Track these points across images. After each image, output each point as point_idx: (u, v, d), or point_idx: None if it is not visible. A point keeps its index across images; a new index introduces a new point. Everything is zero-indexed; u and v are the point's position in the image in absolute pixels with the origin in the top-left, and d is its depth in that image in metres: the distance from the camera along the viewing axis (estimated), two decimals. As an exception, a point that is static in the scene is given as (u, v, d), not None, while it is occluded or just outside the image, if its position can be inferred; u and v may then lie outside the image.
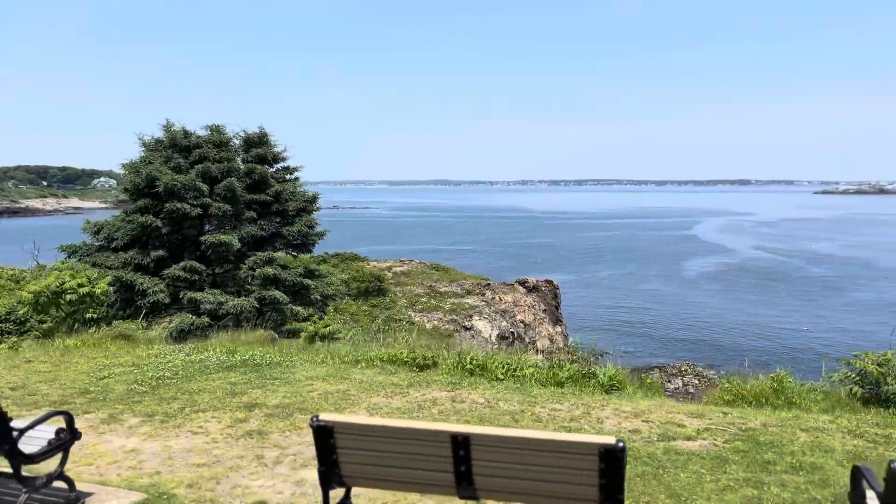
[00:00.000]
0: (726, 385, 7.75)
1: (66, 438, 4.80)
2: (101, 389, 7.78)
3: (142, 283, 14.69)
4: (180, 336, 13.09)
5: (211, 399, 7.39)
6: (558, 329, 36.46)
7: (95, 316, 11.55)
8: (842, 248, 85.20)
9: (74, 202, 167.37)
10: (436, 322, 30.44)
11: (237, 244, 15.76)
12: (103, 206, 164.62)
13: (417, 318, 30.28)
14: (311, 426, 3.54)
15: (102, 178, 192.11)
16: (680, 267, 69.85)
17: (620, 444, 3.10)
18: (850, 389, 7.23)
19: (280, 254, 16.51)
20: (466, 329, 30.72)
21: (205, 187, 15.75)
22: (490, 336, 31.86)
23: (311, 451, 5.87)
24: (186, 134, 17.11)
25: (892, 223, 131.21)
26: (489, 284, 35.73)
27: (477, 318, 32.10)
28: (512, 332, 32.47)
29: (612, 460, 3.14)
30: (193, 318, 14.21)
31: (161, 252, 15.48)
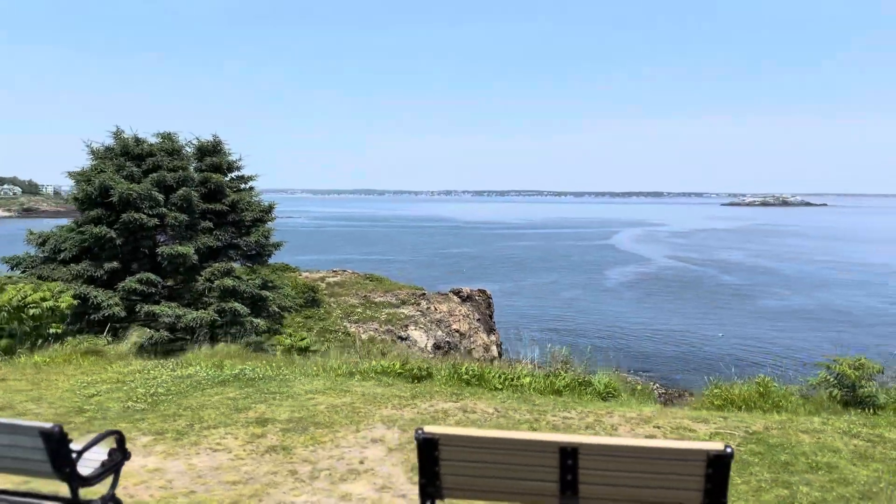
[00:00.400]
0: (715, 391, 8.12)
1: (118, 459, 4.62)
2: (96, 408, 7.46)
3: (96, 297, 14.07)
4: (151, 351, 12.61)
5: (217, 415, 7.21)
6: (492, 338, 36.88)
7: (60, 331, 11.01)
8: (749, 257, 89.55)
9: None
10: (372, 332, 30.30)
11: (194, 255, 15.32)
12: (7, 214, 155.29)
13: (353, 329, 30.09)
14: (417, 439, 3.56)
15: (6, 186, 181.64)
16: (601, 276, 71.87)
17: (728, 450, 3.27)
18: (831, 392, 7.71)
19: (236, 265, 16.13)
20: (402, 339, 30.72)
21: (160, 197, 15.26)
22: (426, 346, 31.97)
23: (344, 465, 5.85)
24: (138, 141, 16.53)
25: (794, 234, 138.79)
26: (424, 294, 35.84)
27: (413, 327, 32.13)
28: (447, 342, 32.67)
29: (719, 465, 3.31)
30: (163, 332, 13.72)
31: (115, 264, 14.88)
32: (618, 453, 3.41)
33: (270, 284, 16.81)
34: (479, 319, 38.16)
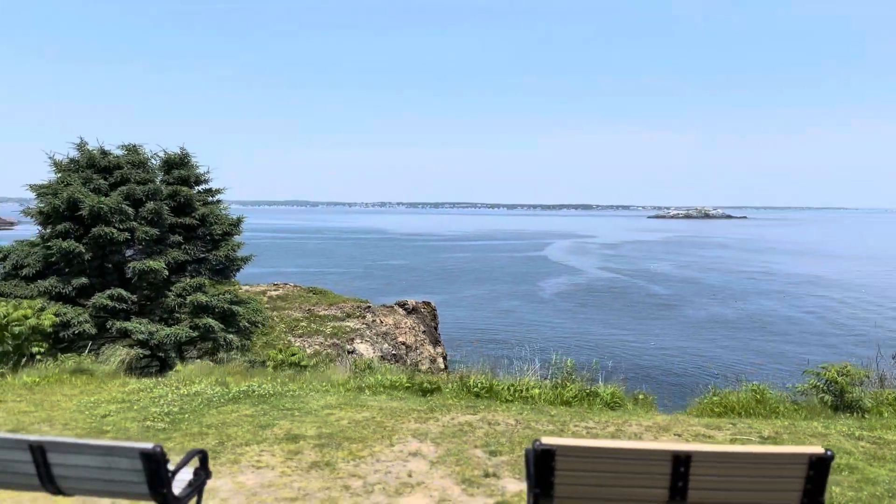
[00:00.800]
0: (714, 398, 8.53)
1: (203, 478, 4.60)
2: (115, 428, 7.27)
3: (65, 314, 13.54)
4: (136, 368, 12.22)
5: (244, 433, 7.14)
6: (438, 350, 37.07)
7: (42, 350, 10.58)
8: (675, 267, 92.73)
9: None
10: (317, 346, 30.08)
11: (165, 270, 14.94)
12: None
13: (297, 343, 29.76)
14: (536, 450, 3.72)
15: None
16: (536, 287, 73.15)
17: (829, 453, 3.57)
18: (822, 398, 8.23)
19: (205, 279, 15.79)
20: (349, 353, 30.56)
21: (130, 211, 14.83)
22: (372, 359, 31.85)
23: (393, 479, 5.92)
24: (104, 153, 16.02)
25: (716, 245, 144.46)
26: (369, 307, 35.76)
27: (359, 340, 32.02)
28: (394, 355, 32.69)
29: (820, 467, 3.60)
30: (137, 350, 13.30)
31: (83, 279, 14.35)
32: (728, 460, 3.66)
33: (237, 299, 16.53)
34: (424, 332, 38.30)
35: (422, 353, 35.42)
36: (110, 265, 15.09)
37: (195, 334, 14.63)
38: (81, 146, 16.04)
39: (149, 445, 4.07)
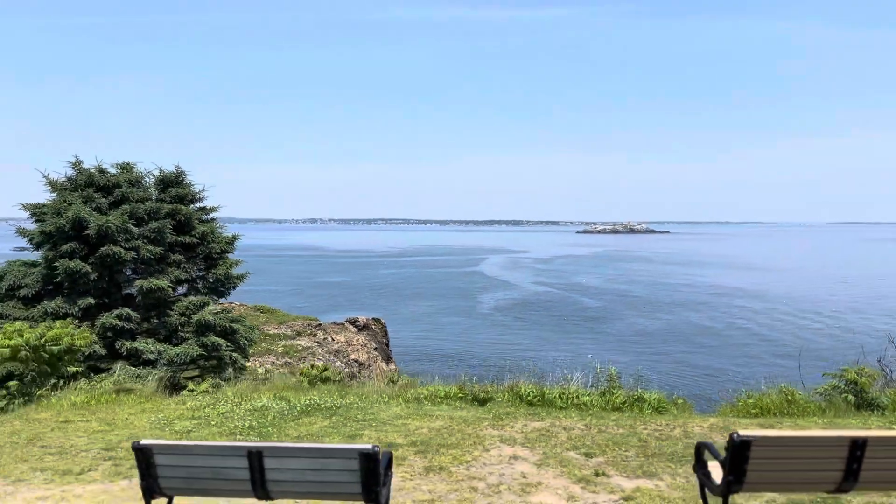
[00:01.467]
0: (749, 400, 9.19)
1: (391, 477, 4.83)
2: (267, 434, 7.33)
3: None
4: (168, 387, 11.99)
5: (340, 440, 7.32)
6: (391, 366, 37.13)
7: (78, 370, 10.36)
8: (605, 281, 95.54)
9: None
10: (269, 366, 29.78)
11: (170, 289, 14.74)
12: None
13: (249, 363, 29.37)
14: (734, 442, 4.15)
15: None
16: (474, 301, 74.03)
17: None
18: (846, 397, 9.00)
19: (208, 298, 15.64)
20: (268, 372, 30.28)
21: (135, 229, 14.57)
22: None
23: (510, 480, 6.29)
24: (102, 172, 15.68)
25: (642, 259, 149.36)
26: (320, 325, 35.60)
27: (311, 359, 31.80)
28: (348, 373, 32.59)
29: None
30: (149, 369, 13.05)
31: (90, 300, 14.00)
32: (900, 444, 4.20)
33: (236, 318, 16.39)
34: (376, 348, 38.32)
35: (374, 370, 35.35)
36: (114, 285, 14.75)
37: (203, 353, 14.47)
38: (77, 164, 15.65)
39: (367, 446, 4.33)
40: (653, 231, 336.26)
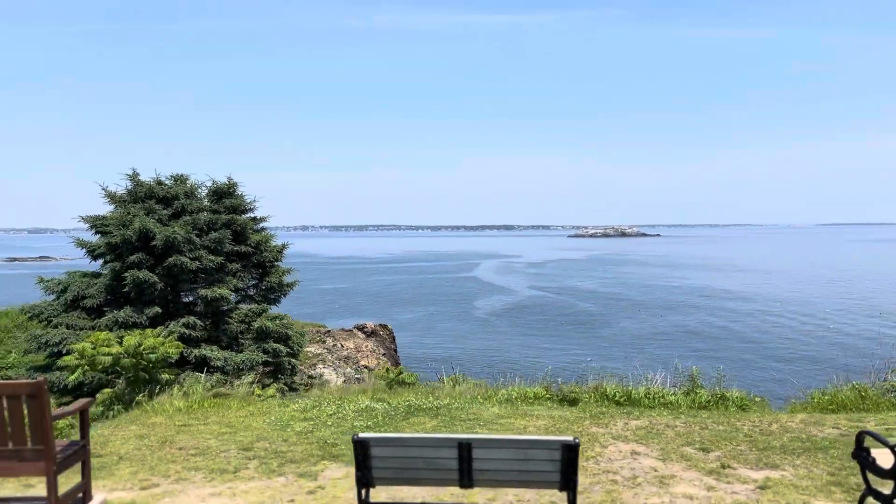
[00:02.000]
0: (824, 397, 9.66)
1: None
2: (339, 443, 7.68)
3: (146, 342, 13.49)
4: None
5: (463, 442, 7.69)
6: (402, 373, 37.28)
7: (172, 377, 10.69)
8: (600, 285, 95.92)
9: None
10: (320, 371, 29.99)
11: (232, 297, 15.08)
12: None
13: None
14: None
15: None
16: (471, 307, 74.24)
17: None
18: (918, 393, 9.51)
19: (265, 306, 15.98)
20: (312, 378, 30.62)
21: (197, 240, 14.91)
22: (336, 383, 31.95)
23: (643, 473, 6.66)
24: (161, 184, 16.01)
25: (635, 262, 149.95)
26: (329, 331, 35.84)
27: (321, 365, 32.05)
28: (357, 378, 32.85)
29: None
30: (217, 376, 13.38)
31: (156, 308, 14.31)
32: None
33: (288, 324, 16.74)
34: (384, 354, 38.58)
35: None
36: (177, 294, 15.07)
37: (265, 359, 14.80)
38: (134, 177, 15.97)
39: (569, 438, 4.74)
40: (644, 234, 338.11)
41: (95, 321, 14.23)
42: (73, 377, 10.38)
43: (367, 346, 36.86)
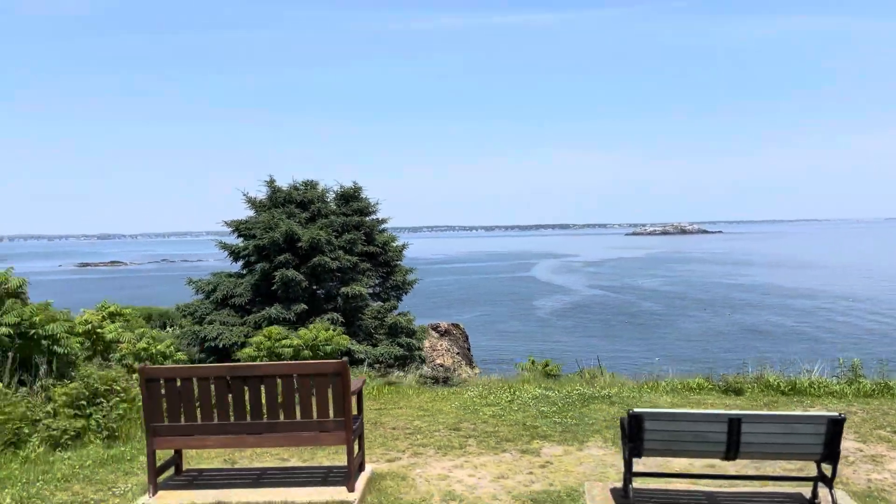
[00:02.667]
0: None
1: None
2: (539, 422, 8.32)
3: (296, 337, 14.46)
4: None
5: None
6: (476, 371, 37.85)
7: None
8: (662, 283, 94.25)
9: None
10: (358, 373, 30.66)
11: (367, 294, 15.96)
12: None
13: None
14: None
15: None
16: (530, 306, 73.89)
17: None
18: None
19: (395, 303, 16.83)
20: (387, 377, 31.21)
21: (335, 241, 15.84)
22: (411, 383, 32.52)
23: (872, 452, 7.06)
24: (297, 189, 17.03)
25: (697, 260, 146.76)
26: None
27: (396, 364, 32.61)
28: (434, 378, 33.34)
29: None
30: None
31: (303, 305, 15.29)
32: None
33: (410, 319, 17.55)
34: (458, 353, 39.12)
35: (460, 374, 36.07)
36: (324, 292, 16.03)
37: (401, 352, 15.62)
38: (271, 182, 17.02)
39: (835, 413, 5.23)
40: (705, 231, 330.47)
41: (245, 318, 15.26)
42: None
43: (441, 345, 37.48)
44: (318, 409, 5.92)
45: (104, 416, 8.04)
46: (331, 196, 17.90)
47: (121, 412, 8.20)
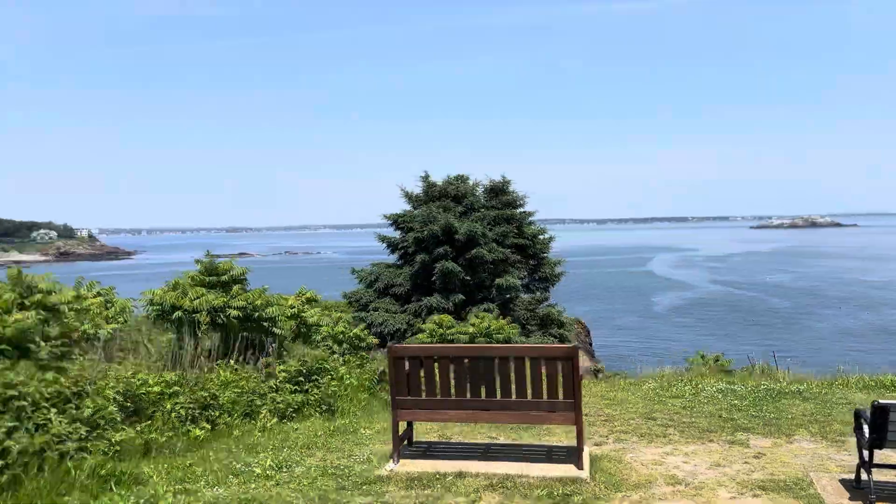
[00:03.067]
0: None
1: None
2: (755, 415, 8.37)
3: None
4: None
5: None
6: (600, 366, 37.24)
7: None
8: (791, 279, 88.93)
9: (13, 256, 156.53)
10: None
11: (520, 285, 16.35)
12: (44, 258, 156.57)
13: None
14: None
15: (42, 231, 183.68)
16: (648, 302, 71.54)
17: None
18: None
19: (545, 294, 17.15)
20: None
21: (490, 234, 16.32)
22: None
23: None
24: (451, 184, 17.67)
25: (829, 255, 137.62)
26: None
27: None
28: (584, 369, 33.05)
29: None
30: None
31: (460, 296, 15.89)
32: None
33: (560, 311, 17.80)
34: (580, 348, 38.61)
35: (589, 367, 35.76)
36: (475, 283, 16.59)
37: (555, 342, 15.92)
38: (426, 178, 17.73)
39: None
40: (838, 224, 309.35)
41: (405, 306, 16.02)
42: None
43: (565, 339, 37.33)
44: (547, 389, 6.26)
45: (320, 392, 8.79)
46: (479, 190, 18.38)
47: (334, 388, 8.94)
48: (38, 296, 6.64)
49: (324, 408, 8.62)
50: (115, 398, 6.66)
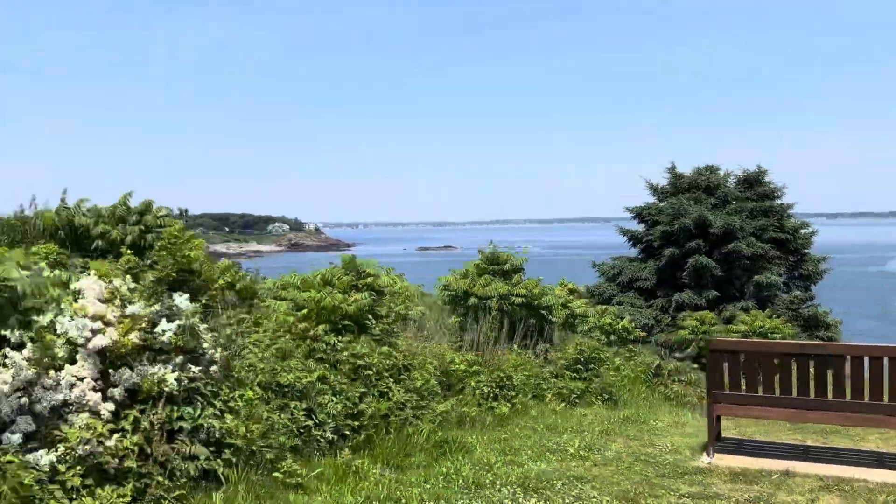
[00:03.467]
0: None
1: None
2: None
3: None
4: None
5: None
6: None
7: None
8: None
9: (253, 246, 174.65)
10: None
11: (782, 285, 15.34)
12: (279, 248, 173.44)
13: None
14: None
15: (277, 224, 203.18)
16: (888, 306, 63.04)
17: None
18: None
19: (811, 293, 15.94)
20: None
21: (747, 227, 15.50)
22: None
23: None
24: (701, 175, 17.05)
25: None
26: None
27: None
28: None
29: None
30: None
31: (714, 292, 15.29)
32: None
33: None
34: None
35: None
36: (731, 279, 15.84)
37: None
38: (672, 169, 17.22)
39: None
40: None
41: (651, 301, 15.68)
42: (689, 349, 11.53)
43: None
44: (889, 391, 5.80)
45: (601, 381, 8.90)
46: (731, 181, 17.43)
47: (613, 378, 9.01)
48: (369, 279, 7.43)
49: (605, 397, 8.70)
50: (434, 373, 7.25)
